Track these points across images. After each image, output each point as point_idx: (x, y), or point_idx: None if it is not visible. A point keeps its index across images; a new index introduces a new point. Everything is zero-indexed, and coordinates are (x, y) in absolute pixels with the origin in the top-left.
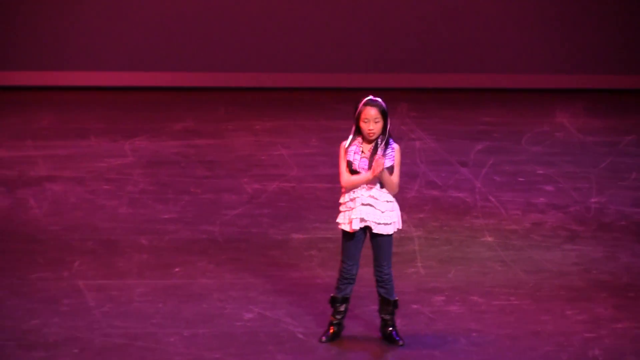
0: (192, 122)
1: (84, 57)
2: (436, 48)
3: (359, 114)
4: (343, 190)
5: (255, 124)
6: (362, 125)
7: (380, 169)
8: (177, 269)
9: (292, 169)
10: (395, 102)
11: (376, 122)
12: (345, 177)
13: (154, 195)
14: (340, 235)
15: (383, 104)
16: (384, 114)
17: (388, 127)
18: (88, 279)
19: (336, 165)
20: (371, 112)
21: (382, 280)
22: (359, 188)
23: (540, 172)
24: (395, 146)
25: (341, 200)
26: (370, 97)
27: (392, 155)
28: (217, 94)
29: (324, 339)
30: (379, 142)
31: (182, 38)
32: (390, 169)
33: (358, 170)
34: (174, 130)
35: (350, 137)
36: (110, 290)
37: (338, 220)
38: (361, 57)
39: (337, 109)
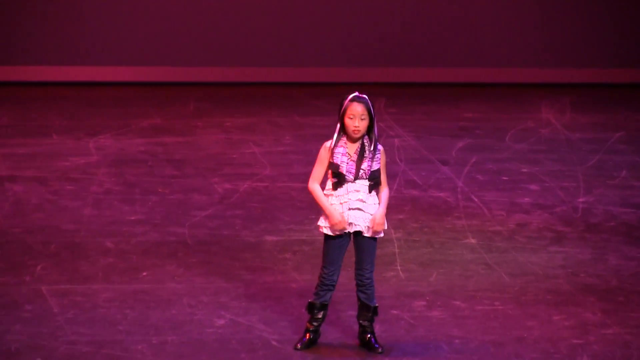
0: (160, 118)
1: (46, 51)
2: (415, 41)
3: (345, 110)
4: (310, 189)
5: (226, 120)
6: (347, 121)
7: (379, 230)
8: (144, 273)
9: (265, 167)
10: (373, 97)
11: (362, 120)
12: (316, 186)
13: (120, 196)
14: (317, 238)
15: (369, 101)
16: (370, 112)
17: (375, 127)
18: (51, 284)
19: (311, 163)
20: (357, 109)
21: (364, 285)
22: (347, 192)
23: (525, 170)
24: (380, 147)
25: None
26: (357, 93)
27: (379, 158)
28: (186, 89)
29: (299, 346)
30: (366, 144)
31: (149, 31)
32: (377, 172)
33: (345, 174)
34: (141, 128)
35: (335, 136)
36: (75, 296)
37: (320, 223)
38: (337, 50)
39: (311, 104)
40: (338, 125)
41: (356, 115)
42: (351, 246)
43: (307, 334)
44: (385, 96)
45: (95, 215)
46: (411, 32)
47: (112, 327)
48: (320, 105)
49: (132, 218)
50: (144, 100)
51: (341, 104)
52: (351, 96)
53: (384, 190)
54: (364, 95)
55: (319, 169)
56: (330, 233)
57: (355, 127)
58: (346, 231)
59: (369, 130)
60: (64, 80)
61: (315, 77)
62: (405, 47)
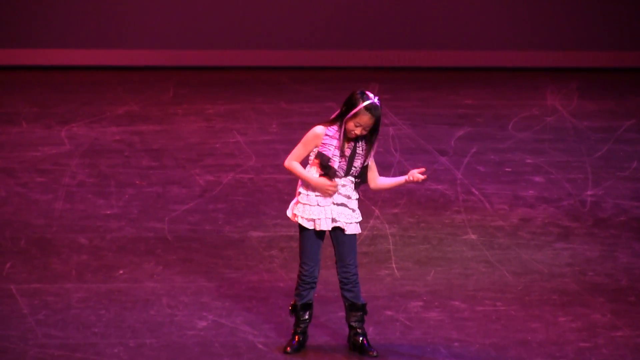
0: (137, 105)
1: (12, 33)
2: (410, 21)
3: (355, 115)
4: (288, 166)
5: (208, 107)
6: (351, 125)
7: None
8: (120, 272)
9: (249, 158)
10: (365, 82)
11: (365, 130)
12: (295, 163)
13: (94, 189)
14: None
15: (380, 109)
16: (379, 123)
17: (377, 135)
18: (20, 283)
19: None
20: (368, 122)
21: (349, 282)
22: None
23: (529, 161)
24: None
25: (302, 190)
26: (374, 100)
27: (371, 153)
28: (165, 73)
29: (289, 349)
30: (357, 146)
31: (124, 11)
32: (366, 167)
33: (337, 170)
34: (116, 115)
35: (331, 119)
36: (46, 296)
37: (296, 211)
38: (327, 31)
39: (299, 90)
40: (336, 113)
41: (362, 125)
42: (328, 242)
43: (297, 337)
44: (379, 81)
45: (68, 210)
46: (406, 12)
47: (85, 329)
48: (308, 91)
49: (107, 212)
50: (119, 86)
51: (352, 101)
52: (367, 103)
53: (381, 178)
54: (379, 104)
55: (301, 151)
56: (310, 227)
57: (356, 134)
58: (329, 228)
59: (372, 131)
60: (33, 64)
61: (303, 60)
62: (400, 28)
